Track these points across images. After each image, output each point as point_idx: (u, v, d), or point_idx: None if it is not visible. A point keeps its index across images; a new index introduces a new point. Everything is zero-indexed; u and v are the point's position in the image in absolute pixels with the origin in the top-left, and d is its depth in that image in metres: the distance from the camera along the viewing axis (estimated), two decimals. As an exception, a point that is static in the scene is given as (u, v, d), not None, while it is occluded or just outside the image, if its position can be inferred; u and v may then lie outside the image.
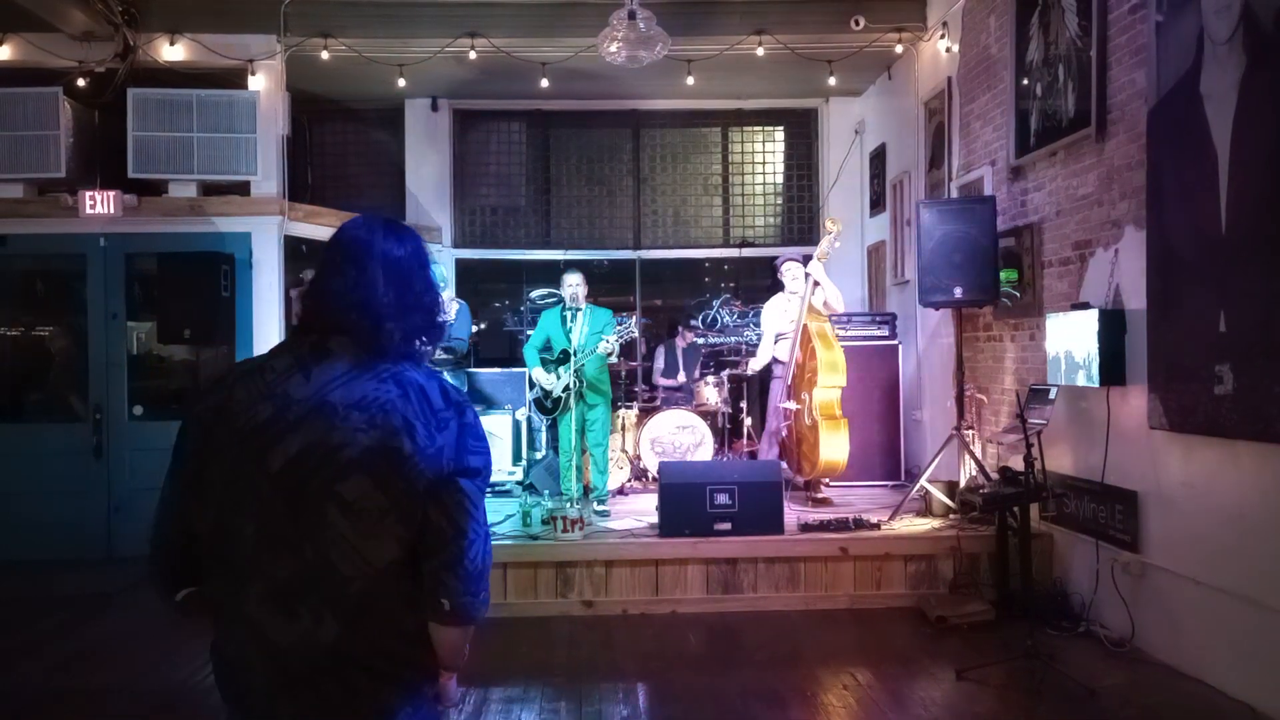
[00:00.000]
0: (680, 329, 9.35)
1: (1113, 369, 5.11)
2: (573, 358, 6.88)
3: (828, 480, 7.22)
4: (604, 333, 6.87)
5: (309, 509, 1.72)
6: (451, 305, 7.30)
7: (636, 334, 7.22)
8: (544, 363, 7.10)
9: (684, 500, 5.99)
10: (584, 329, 6.96)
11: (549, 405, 7.08)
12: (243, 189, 7.76)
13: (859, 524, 6.16)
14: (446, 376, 7.50)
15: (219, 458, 1.77)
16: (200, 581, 1.83)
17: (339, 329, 1.82)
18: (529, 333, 9.78)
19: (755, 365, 7.61)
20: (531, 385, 7.29)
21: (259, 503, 1.73)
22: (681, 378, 9.00)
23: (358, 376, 1.78)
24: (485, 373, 8.69)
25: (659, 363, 9.27)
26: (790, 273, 7.27)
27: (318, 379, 1.78)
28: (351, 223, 1.95)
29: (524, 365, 8.41)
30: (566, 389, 6.90)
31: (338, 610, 1.72)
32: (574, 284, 7.02)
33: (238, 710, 1.82)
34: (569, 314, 7.06)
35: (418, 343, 1.90)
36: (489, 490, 6.64)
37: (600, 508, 6.93)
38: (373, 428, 1.73)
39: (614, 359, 7.10)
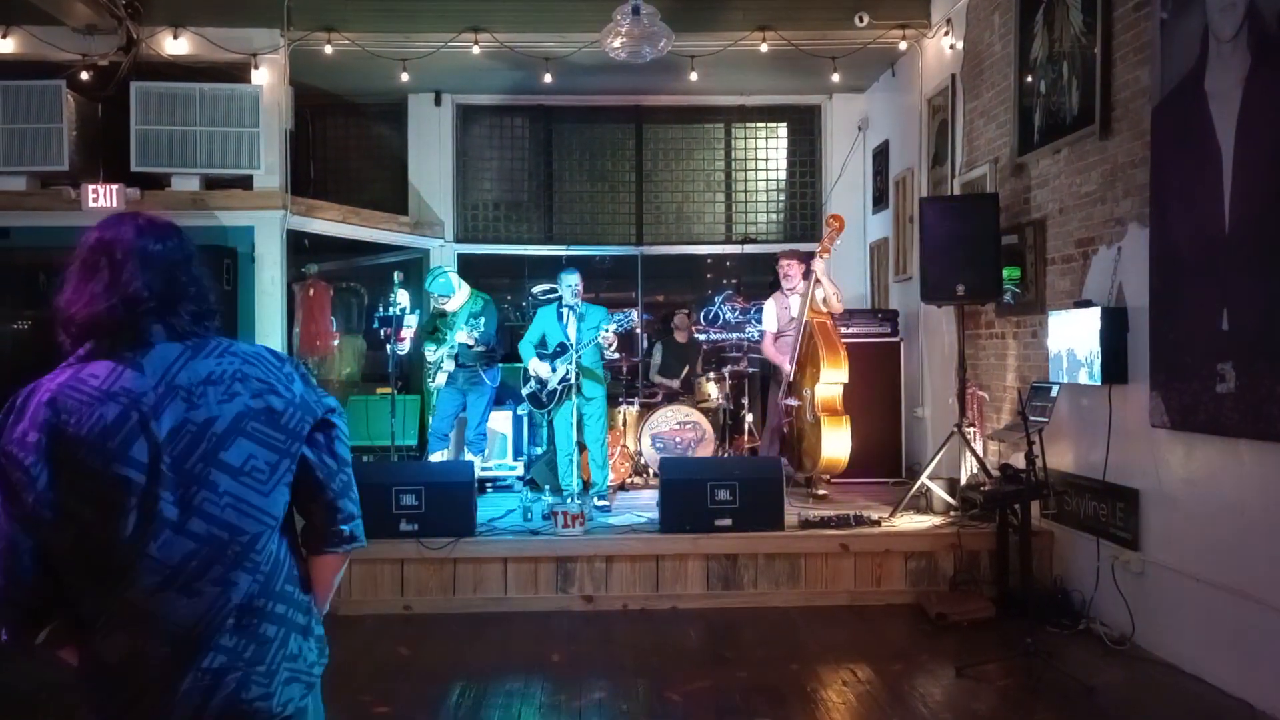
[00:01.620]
0: (674, 324, 9.33)
1: (1115, 367, 5.10)
2: (571, 350, 6.90)
3: (828, 477, 7.22)
4: (599, 328, 6.90)
5: (196, 486, 1.73)
6: (476, 300, 7.32)
7: (638, 326, 7.23)
8: (539, 356, 7.13)
9: (685, 496, 5.99)
10: (580, 326, 6.99)
11: (544, 398, 7.10)
12: (245, 183, 7.75)
13: (859, 520, 6.17)
14: (481, 373, 7.55)
15: (65, 475, 1.70)
16: (58, 613, 1.77)
17: (142, 320, 1.79)
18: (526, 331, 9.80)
19: (784, 363, 7.52)
20: (525, 380, 7.30)
21: (131, 497, 1.70)
22: (676, 383, 8.95)
23: (194, 357, 1.81)
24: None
25: (656, 359, 9.27)
26: (783, 271, 7.30)
27: (152, 367, 1.77)
28: (99, 225, 1.91)
29: (520, 362, 8.44)
30: (563, 381, 6.92)
31: (246, 567, 1.77)
32: (573, 283, 7.04)
33: (131, 709, 1.75)
34: (565, 311, 7.08)
35: (209, 322, 1.90)
36: (491, 485, 6.64)
37: (600, 503, 6.94)
38: (234, 395, 1.79)
39: (611, 351, 7.12)
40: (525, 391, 7.39)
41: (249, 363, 1.84)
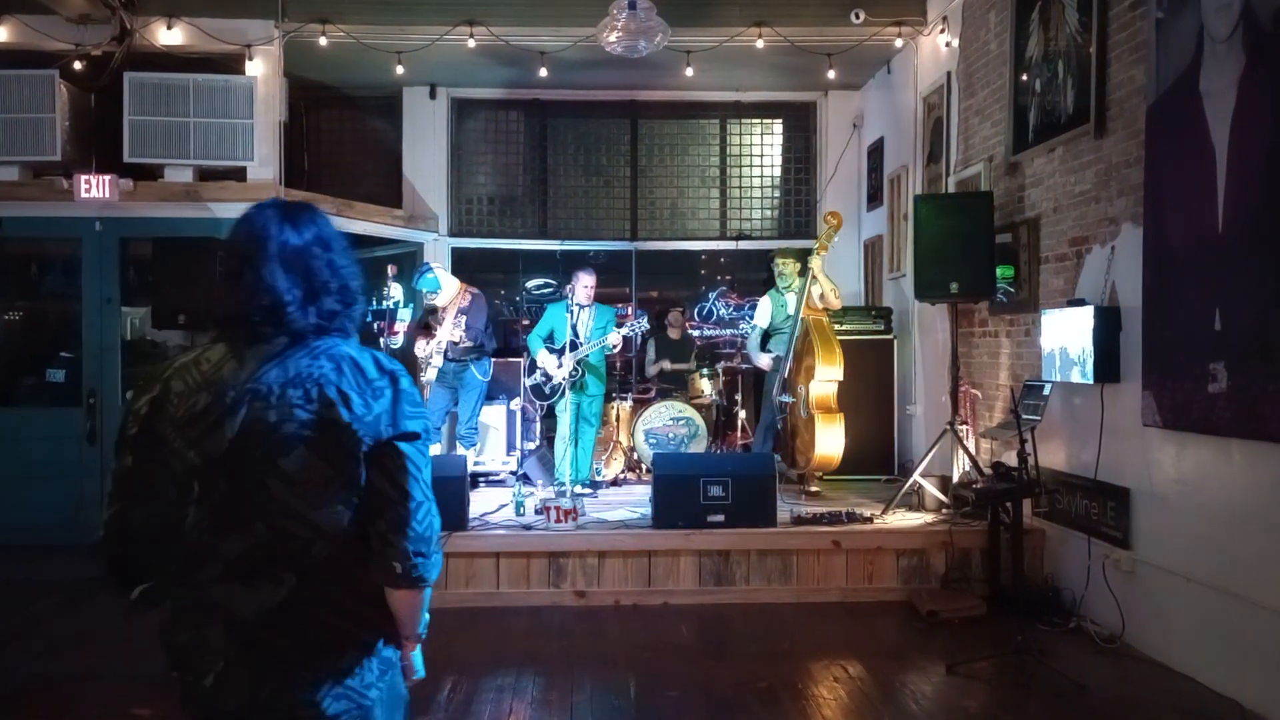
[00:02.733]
0: (668, 320, 9.34)
1: (1107, 366, 5.11)
2: (578, 348, 7.01)
3: (821, 473, 7.23)
4: (607, 329, 7.04)
5: (254, 489, 1.76)
6: (466, 295, 7.32)
7: (645, 327, 7.34)
8: (548, 350, 7.22)
9: (677, 492, 5.99)
10: (590, 324, 7.19)
11: (547, 391, 7.17)
12: (239, 174, 7.73)
13: (851, 517, 6.18)
14: (472, 368, 7.61)
15: (160, 450, 1.79)
16: (151, 576, 1.86)
17: (264, 312, 1.83)
18: (525, 322, 9.80)
19: (764, 363, 7.53)
20: (530, 372, 7.36)
21: (202, 488, 1.76)
22: (666, 364, 8.97)
23: (290, 355, 1.82)
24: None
25: (650, 354, 9.27)
26: (785, 270, 7.31)
27: (251, 363, 1.81)
28: (251, 210, 1.93)
29: (518, 356, 8.45)
30: (571, 374, 7.01)
31: (296, 568, 1.77)
32: (589, 284, 7.21)
33: (193, 697, 1.82)
34: (575, 309, 7.15)
35: (340, 321, 1.91)
36: (484, 480, 6.62)
37: (582, 491, 7.00)
38: (309, 402, 1.78)
39: (614, 349, 7.24)
40: (529, 383, 7.44)
41: (340, 370, 1.82)
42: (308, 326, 1.85)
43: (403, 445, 1.82)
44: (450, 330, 7.12)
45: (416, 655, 1.97)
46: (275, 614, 1.76)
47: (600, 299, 7.45)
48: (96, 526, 1.87)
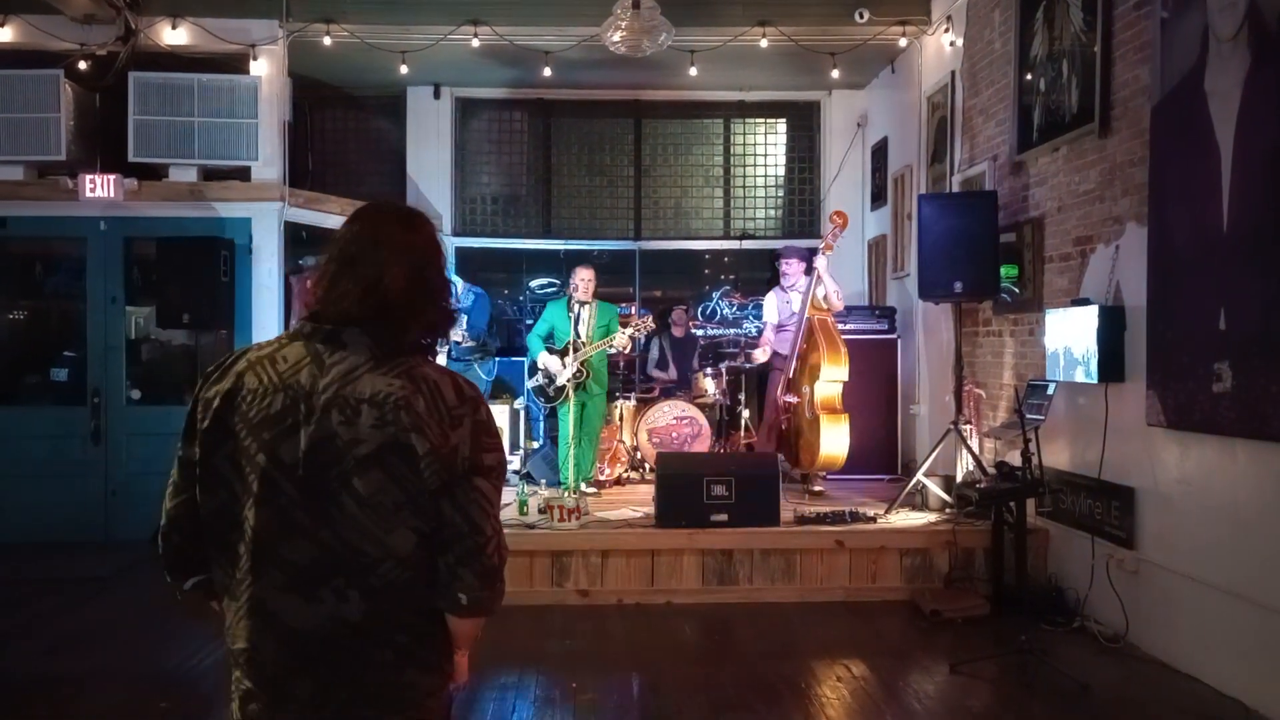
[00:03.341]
0: (671, 320, 9.34)
1: (1111, 365, 5.10)
2: (581, 349, 6.95)
3: (825, 473, 7.22)
4: (610, 327, 6.98)
5: (325, 501, 1.73)
6: (468, 295, 7.32)
7: (652, 327, 7.29)
8: (548, 350, 7.15)
9: (681, 491, 5.99)
10: (591, 322, 7.04)
11: (551, 393, 7.14)
12: (243, 174, 7.75)
13: (855, 517, 6.17)
14: (475, 368, 7.54)
15: (227, 445, 1.77)
16: (205, 569, 1.84)
17: (353, 321, 1.80)
18: (529, 322, 9.79)
19: (760, 357, 7.60)
20: (531, 373, 7.33)
21: (271, 492, 1.73)
22: (673, 372, 8.96)
23: (372, 371, 1.77)
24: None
25: (653, 354, 9.27)
26: (784, 269, 7.30)
27: (332, 372, 1.77)
28: (364, 211, 1.92)
29: (521, 355, 8.44)
30: (573, 377, 6.96)
31: (363, 588, 1.74)
32: (587, 278, 7.11)
33: (247, 699, 1.80)
34: (576, 306, 7.11)
35: (431, 336, 1.90)
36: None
37: (589, 489, 6.97)
38: (386, 425, 1.73)
39: (612, 351, 7.15)
40: (531, 385, 7.41)
41: (419, 393, 1.76)
42: (400, 340, 1.82)
43: (478, 480, 1.79)
44: (454, 330, 7.13)
45: (463, 661, 1.96)
46: (344, 634, 1.74)
47: (604, 298, 7.42)
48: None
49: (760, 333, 7.78)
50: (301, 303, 8.69)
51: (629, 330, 6.96)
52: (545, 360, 7.15)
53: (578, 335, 7.02)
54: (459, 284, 7.39)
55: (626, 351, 7.21)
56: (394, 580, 1.76)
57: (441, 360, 7.21)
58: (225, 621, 1.82)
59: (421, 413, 1.74)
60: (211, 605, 1.90)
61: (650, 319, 7.23)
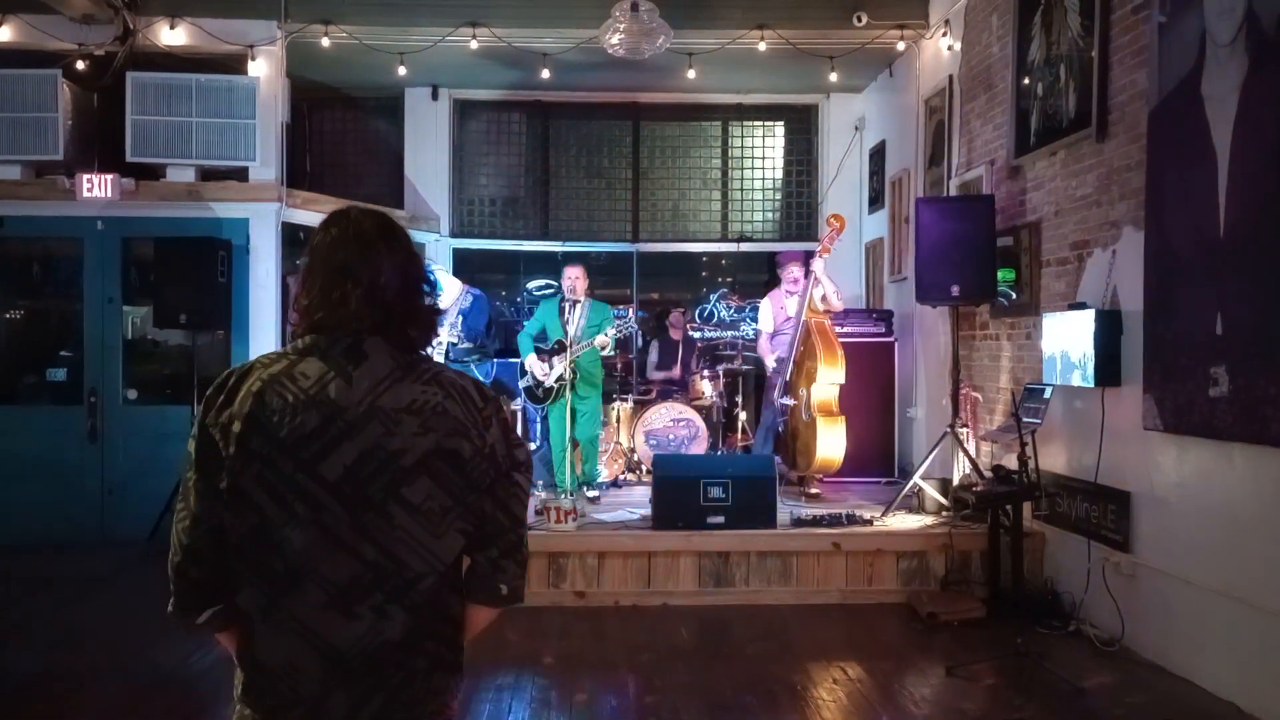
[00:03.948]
0: (670, 321, 9.33)
1: (1108, 369, 5.11)
2: (568, 349, 6.89)
3: (821, 475, 7.23)
4: (601, 327, 6.90)
5: (373, 513, 1.73)
6: (467, 297, 7.31)
7: (635, 329, 7.20)
8: (538, 352, 7.11)
9: (677, 493, 5.99)
10: (582, 321, 6.97)
11: (540, 394, 7.11)
12: (241, 175, 7.74)
13: (852, 519, 6.18)
14: (473, 369, 7.49)
15: (256, 467, 1.72)
16: (221, 598, 1.81)
17: (365, 329, 1.79)
18: (526, 323, 9.78)
19: (770, 362, 7.55)
20: (523, 374, 7.31)
21: (313, 510, 1.72)
22: (676, 371, 8.96)
23: (400, 379, 1.78)
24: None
25: (652, 356, 9.27)
26: (789, 274, 7.29)
27: (361, 384, 1.75)
28: (342, 214, 1.89)
29: (519, 356, 8.42)
30: (559, 380, 6.91)
31: (404, 603, 1.75)
32: (574, 276, 7.04)
33: (281, 715, 1.77)
34: (567, 305, 7.07)
35: (431, 337, 1.92)
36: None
37: (591, 494, 6.94)
38: (428, 431, 1.76)
39: (608, 352, 7.09)
40: (522, 385, 7.39)
41: (451, 398, 1.80)
42: (411, 341, 1.84)
43: (516, 475, 1.88)
44: (448, 331, 7.11)
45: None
46: (385, 650, 1.74)
47: (603, 300, 7.38)
48: (169, 549, 1.80)
49: (758, 335, 7.76)
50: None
51: (610, 332, 6.85)
52: (530, 362, 7.13)
53: (566, 335, 6.98)
54: (457, 285, 7.37)
55: (605, 352, 7.09)
56: (437, 591, 1.79)
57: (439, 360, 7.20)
58: (249, 642, 1.78)
59: (459, 416, 1.79)
60: (221, 637, 1.87)
61: (631, 318, 7.12)
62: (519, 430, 8.30)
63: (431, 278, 1.98)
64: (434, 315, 1.94)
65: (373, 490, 1.73)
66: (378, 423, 1.74)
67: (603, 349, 6.90)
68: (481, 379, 7.33)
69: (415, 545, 1.75)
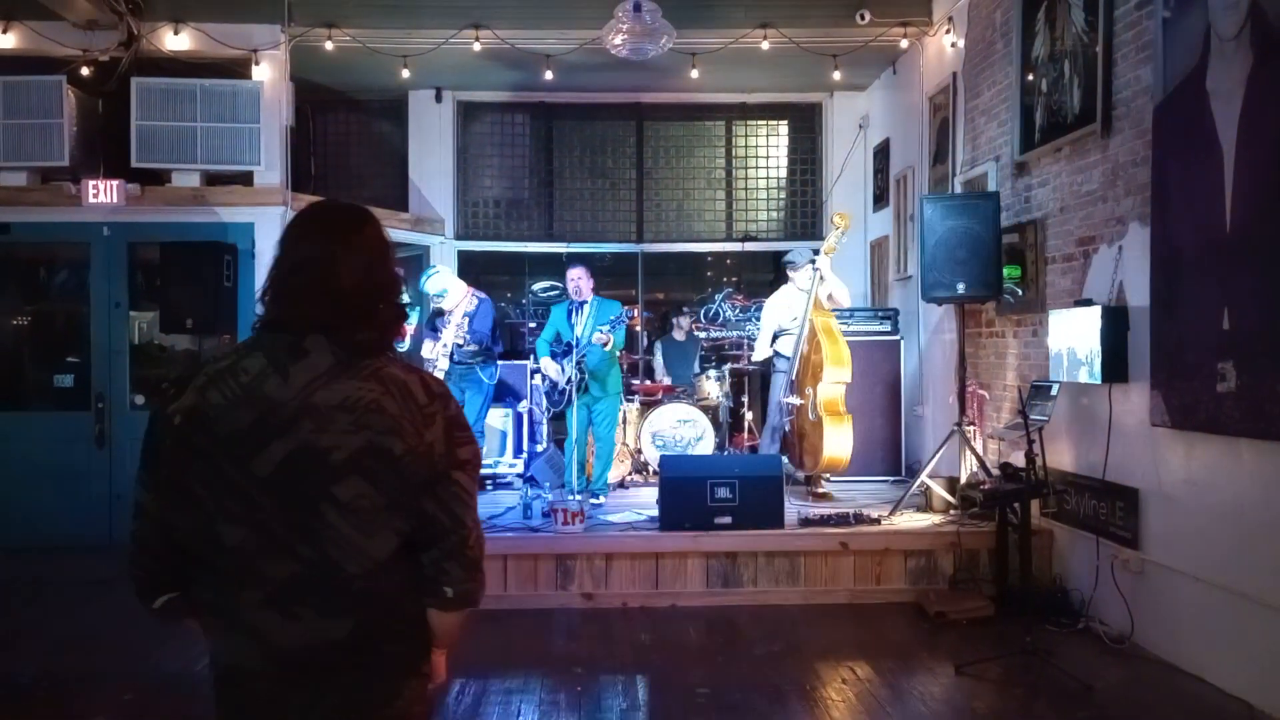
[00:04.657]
0: (674, 321, 9.31)
1: (1115, 366, 5.10)
2: (574, 350, 6.89)
3: (828, 475, 7.22)
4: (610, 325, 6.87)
5: (304, 512, 1.71)
6: (473, 299, 7.31)
7: (625, 323, 7.10)
8: (553, 355, 7.12)
9: (684, 494, 5.99)
10: (589, 322, 6.96)
11: (555, 397, 7.12)
12: (246, 179, 7.75)
13: (859, 519, 6.17)
14: (478, 371, 7.47)
15: (198, 463, 1.73)
16: (180, 587, 1.81)
17: (312, 325, 1.77)
18: (531, 325, 9.79)
19: (756, 357, 7.60)
20: (543, 378, 7.31)
21: (248, 508, 1.71)
22: (668, 380, 8.89)
23: (338, 376, 1.74)
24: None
25: (658, 359, 9.26)
26: (804, 274, 7.26)
27: (297, 380, 1.74)
28: (309, 212, 1.89)
29: (522, 359, 8.44)
30: (570, 381, 6.91)
31: (345, 605, 1.73)
32: (576, 277, 7.04)
33: (236, 716, 1.79)
34: (574, 307, 7.08)
35: (390, 335, 1.87)
36: (491, 482, 6.58)
37: (595, 501, 6.92)
38: (361, 429, 1.72)
39: (610, 349, 6.99)
40: (543, 388, 7.40)
41: (390, 394, 1.76)
42: (361, 342, 1.79)
43: (456, 474, 1.81)
44: (454, 332, 7.11)
45: (441, 660, 1.96)
46: (330, 649, 1.72)
47: (614, 300, 7.32)
48: (124, 538, 1.83)
49: (759, 333, 7.74)
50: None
51: (605, 327, 6.77)
52: (544, 365, 7.13)
53: (575, 337, 6.97)
54: (463, 287, 7.37)
55: (608, 349, 7.02)
56: (377, 591, 1.75)
57: (444, 365, 7.20)
58: (209, 637, 1.80)
59: (394, 414, 1.74)
60: (186, 623, 1.87)
61: (622, 313, 7.01)
62: (525, 433, 8.31)
63: (393, 264, 1.92)
64: (396, 318, 1.89)
65: (304, 488, 1.71)
66: (309, 420, 1.71)
67: (604, 346, 6.86)
68: (486, 381, 7.37)
69: (345, 544, 1.72)
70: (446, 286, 7.23)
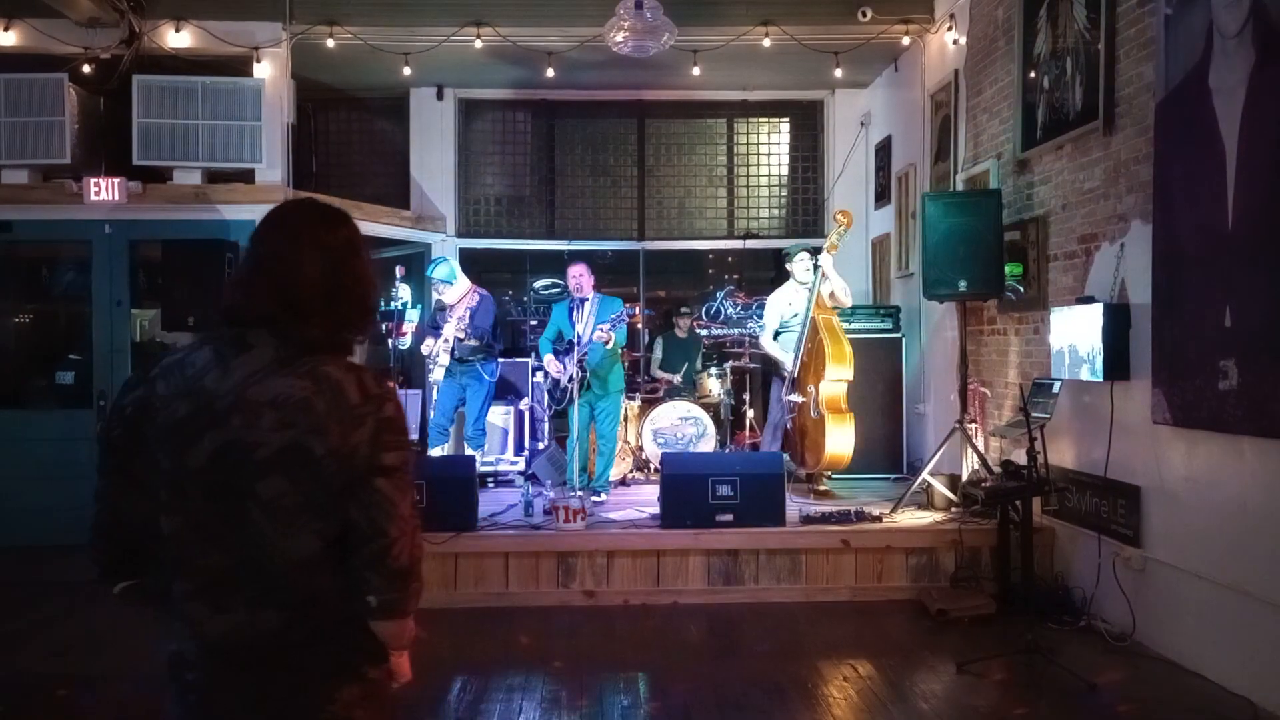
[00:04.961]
0: (676, 319, 9.31)
1: (1117, 363, 5.10)
2: (575, 348, 6.89)
3: (830, 473, 7.22)
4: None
5: (230, 506, 1.71)
6: (475, 295, 7.31)
7: (627, 321, 7.08)
8: (555, 353, 7.11)
9: (686, 491, 5.99)
10: (590, 319, 6.95)
11: (557, 395, 7.12)
12: (247, 177, 7.75)
13: (860, 516, 6.17)
14: (478, 368, 7.47)
15: (145, 453, 1.76)
16: (139, 574, 1.85)
17: (261, 321, 1.77)
18: (533, 322, 9.78)
19: (764, 345, 7.53)
20: (546, 375, 7.31)
21: (181, 499, 1.73)
22: (678, 378, 8.89)
23: (275, 372, 1.74)
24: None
25: (657, 354, 9.26)
26: (801, 264, 7.26)
27: (235, 374, 1.74)
28: (280, 208, 1.91)
29: (523, 356, 8.43)
30: (571, 379, 6.91)
31: (275, 601, 1.72)
32: (577, 274, 7.03)
33: (179, 704, 1.82)
34: (575, 305, 7.07)
35: (346, 334, 1.85)
36: (492, 480, 6.56)
37: (596, 498, 6.93)
38: (285, 427, 1.70)
39: (611, 347, 6.97)
40: (545, 386, 7.40)
41: (322, 392, 1.73)
42: (308, 338, 1.78)
43: (379, 481, 1.75)
44: (455, 326, 7.11)
45: (403, 661, 1.92)
46: (264, 644, 1.72)
47: (615, 298, 7.30)
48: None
49: (762, 332, 7.73)
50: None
51: (605, 326, 6.75)
52: (547, 363, 7.13)
53: (577, 335, 6.96)
54: (466, 283, 7.36)
55: (608, 347, 7.01)
56: (305, 590, 1.73)
57: (445, 360, 7.19)
58: (160, 623, 1.82)
59: (321, 413, 1.72)
60: (140, 609, 1.89)
61: (622, 311, 7.00)
62: (526, 430, 8.31)
63: (368, 274, 1.91)
64: (356, 319, 1.87)
65: (231, 483, 1.71)
66: (239, 415, 1.72)
67: (605, 344, 6.85)
68: (487, 378, 7.37)
69: (267, 545, 1.71)
70: (455, 272, 7.24)
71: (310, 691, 1.76)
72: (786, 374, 7.22)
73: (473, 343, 7.16)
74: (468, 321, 7.16)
